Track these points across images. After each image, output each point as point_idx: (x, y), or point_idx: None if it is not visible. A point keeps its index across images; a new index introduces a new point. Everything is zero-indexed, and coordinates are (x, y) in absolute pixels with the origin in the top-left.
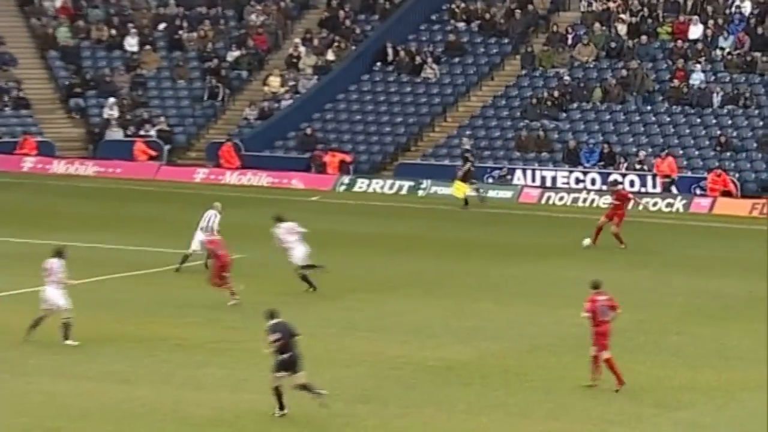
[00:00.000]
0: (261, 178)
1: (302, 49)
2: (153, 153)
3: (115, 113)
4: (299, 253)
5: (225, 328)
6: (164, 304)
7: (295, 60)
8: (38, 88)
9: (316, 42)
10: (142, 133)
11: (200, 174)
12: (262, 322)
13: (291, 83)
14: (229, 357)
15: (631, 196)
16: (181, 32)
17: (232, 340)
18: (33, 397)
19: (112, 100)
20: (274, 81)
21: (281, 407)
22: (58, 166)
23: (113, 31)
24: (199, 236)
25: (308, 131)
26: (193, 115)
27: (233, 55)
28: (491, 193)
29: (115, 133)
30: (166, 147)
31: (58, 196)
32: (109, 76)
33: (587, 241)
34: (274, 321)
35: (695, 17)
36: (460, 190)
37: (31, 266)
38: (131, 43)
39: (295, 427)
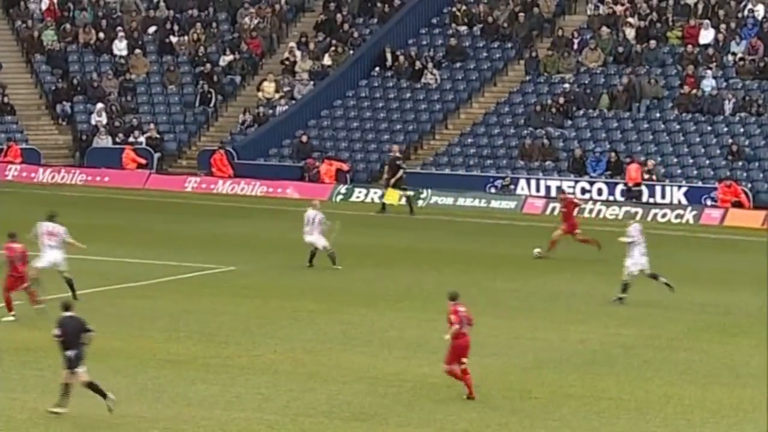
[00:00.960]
0: (254, 188)
1: (298, 53)
2: (142, 161)
3: (103, 120)
4: (50, 257)
5: (217, 344)
6: (154, 318)
7: (290, 65)
8: (23, 94)
9: (312, 46)
10: (131, 140)
11: (191, 183)
12: (255, 338)
13: (286, 89)
14: (221, 373)
15: (577, 201)
16: (171, 36)
17: (224, 356)
18: (17, 414)
19: (100, 106)
20: (269, 86)
21: (62, 405)
22: (44, 175)
23: (101, 35)
24: (310, 237)
25: (304, 139)
26: (184, 121)
27: (226, 59)
28: (494, 204)
29: (103, 141)
30: (156, 155)
31: (43, 205)
32: (96, 81)
33: (537, 251)
34: (65, 315)
35: (706, 21)
36: (392, 196)
37: None
38: (120, 47)
39: None
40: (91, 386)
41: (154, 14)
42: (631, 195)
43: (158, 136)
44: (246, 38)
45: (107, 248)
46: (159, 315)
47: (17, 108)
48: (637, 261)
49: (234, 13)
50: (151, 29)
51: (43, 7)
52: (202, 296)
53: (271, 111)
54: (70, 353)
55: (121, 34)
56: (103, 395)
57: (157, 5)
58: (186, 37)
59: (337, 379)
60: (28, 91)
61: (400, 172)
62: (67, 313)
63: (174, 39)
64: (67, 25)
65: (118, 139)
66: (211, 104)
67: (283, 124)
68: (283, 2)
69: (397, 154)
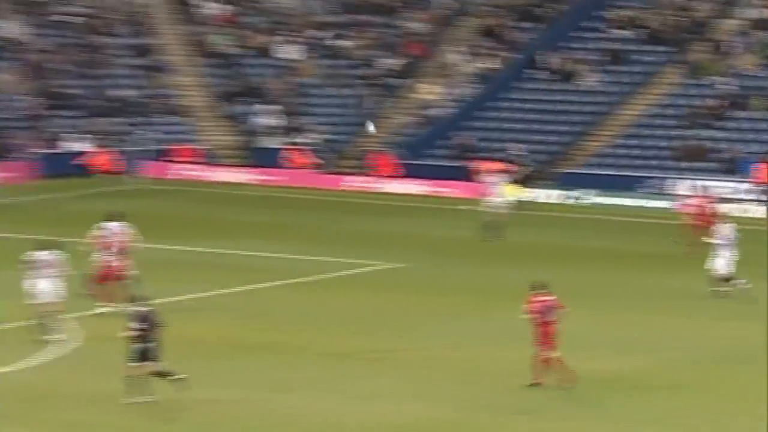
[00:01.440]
0: (418, 187)
1: (459, 56)
2: (309, 161)
3: (272, 121)
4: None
5: (380, 338)
6: (320, 312)
7: (451, 68)
8: (194, 95)
9: (473, 50)
10: (298, 140)
11: (356, 182)
12: (418, 333)
13: (447, 91)
14: (384, 367)
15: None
16: (337, 39)
17: (387, 350)
18: (199, 408)
19: (268, 107)
20: (431, 89)
21: (149, 393)
22: (214, 174)
23: (270, 38)
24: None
25: (465, 140)
26: (350, 122)
27: (390, 62)
28: (647, 203)
29: (272, 141)
30: (323, 155)
31: (212, 203)
32: (265, 84)
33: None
34: (143, 309)
35: None
36: (511, 191)
37: (185, 273)
38: (288, 51)
39: None
40: (159, 374)
41: (321, 19)
42: (760, 194)
43: (325, 136)
44: (409, 42)
45: (278, 245)
46: (325, 310)
47: (188, 109)
48: (725, 263)
49: (397, 17)
50: (319, 33)
51: (215, 12)
52: (368, 292)
53: (433, 112)
54: (147, 345)
55: (289, 37)
56: (171, 375)
57: (324, 10)
58: (351, 41)
59: (497, 374)
60: (199, 93)
61: (527, 169)
62: (143, 308)
63: (340, 42)
64: (237, 30)
65: (285, 140)
66: (376, 106)
67: (445, 125)
68: (446, 7)
69: (516, 153)
